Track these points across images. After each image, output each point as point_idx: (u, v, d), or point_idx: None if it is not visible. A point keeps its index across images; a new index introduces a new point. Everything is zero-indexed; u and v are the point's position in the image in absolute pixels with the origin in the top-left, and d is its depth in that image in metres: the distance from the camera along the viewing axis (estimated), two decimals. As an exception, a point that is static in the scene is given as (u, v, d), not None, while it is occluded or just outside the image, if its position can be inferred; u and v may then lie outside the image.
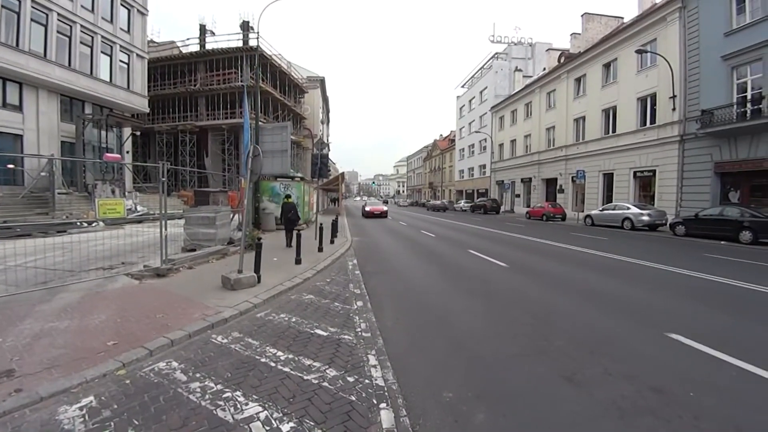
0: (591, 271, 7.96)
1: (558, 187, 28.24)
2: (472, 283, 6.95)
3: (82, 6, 20.47)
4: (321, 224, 10.06)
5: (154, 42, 35.91)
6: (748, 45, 15.06)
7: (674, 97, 18.47)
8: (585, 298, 5.84)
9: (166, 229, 6.34)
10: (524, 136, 34.88)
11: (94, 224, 13.71)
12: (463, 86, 55.26)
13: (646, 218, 16.74)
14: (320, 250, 9.41)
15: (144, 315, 4.48)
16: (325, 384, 3.09)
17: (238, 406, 2.74)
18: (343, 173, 37.22)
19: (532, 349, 3.87)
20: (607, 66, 24.14)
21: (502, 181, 38.41)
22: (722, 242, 12.36)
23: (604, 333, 4.34)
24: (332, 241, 11.25)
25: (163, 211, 6.34)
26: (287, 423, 2.54)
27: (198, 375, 3.21)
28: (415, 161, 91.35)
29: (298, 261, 7.69)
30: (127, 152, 24.65)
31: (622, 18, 29.82)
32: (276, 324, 4.49)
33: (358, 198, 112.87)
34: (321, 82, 47.12)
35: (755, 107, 14.69)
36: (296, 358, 3.54)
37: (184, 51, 34.65)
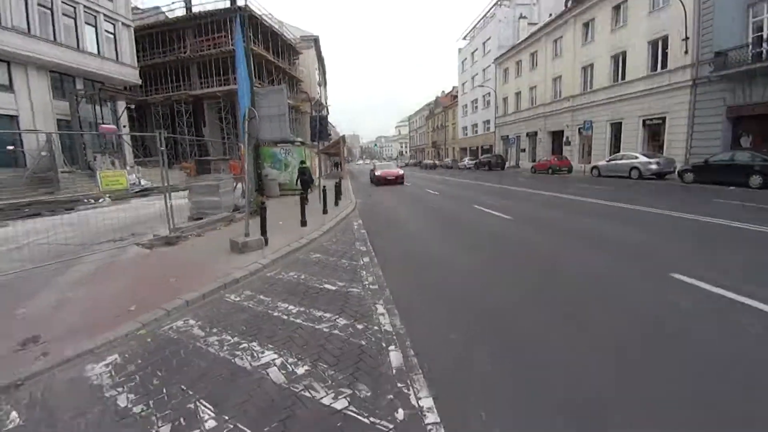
0: (596, 220, 7.97)
1: (564, 139, 27.64)
2: (476, 237, 7.03)
3: (58, -27, 19.41)
4: (324, 186, 10.05)
5: (138, 9, 34.34)
6: (769, -24, 14.00)
7: (687, 39, 17.49)
8: (589, 246, 5.91)
9: (171, 200, 6.40)
10: (529, 88, 33.66)
11: (100, 200, 13.88)
12: (464, 38, 52.66)
13: (654, 167, 16.45)
14: (325, 212, 9.47)
15: (158, 280, 4.64)
16: (336, 332, 3.23)
17: (255, 355, 2.91)
18: (343, 136, 36.50)
19: (537, 294, 3.99)
20: (616, 8, 22.71)
21: (507, 136, 37.62)
22: (731, 187, 12.19)
23: (608, 277, 4.44)
24: (336, 204, 11.30)
25: (165, 183, 6.37)
26: (302, 367, 2.70)
27: (215, 330, 3.38)
28: (417, 120, 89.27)
29: (303, 223, 7.78)
30: (124, 126, 24.33)
31: (635, -48, 27.64)
32: (286, 281, 4.63)
33: (360, 161, 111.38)
34: (315, 42, 45.16)
35: (775, 45, 13.91)
36: (307, 311, 3.69)
37: (170, 16, 33.14)
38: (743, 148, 14.92)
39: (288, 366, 2.72)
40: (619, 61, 22.63)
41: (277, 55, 33.96)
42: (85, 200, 13.72)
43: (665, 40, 19.01)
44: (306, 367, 2.69)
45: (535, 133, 32.78)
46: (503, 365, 2.69)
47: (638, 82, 21.00)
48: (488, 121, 43.74)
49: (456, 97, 56.60)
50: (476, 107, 47.57)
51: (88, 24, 21.51)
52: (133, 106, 27.63)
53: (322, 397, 2.35)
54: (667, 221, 7.42)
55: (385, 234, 7.56)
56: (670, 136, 18.97)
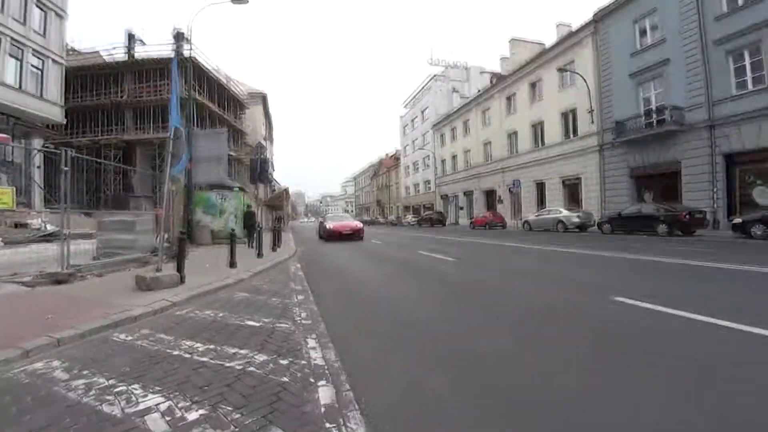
0: (535, 260, 8.15)
1: (497, 197, 29.69)
2: (420, 275, 6.73)
3: (-15, 4, 18.09)
4: (260, 227, 9.35)
5: (75, 50, 32.78)
6: (650, 63, 17.20)
7: (591, 111, 20.43)
8: (530, 280, 5.86)
9: (68, 227, 5.37)
10: (464, 151, 36.52)
11: (-15, 244, 11.62)
12: (405, 106, 57.16)
13: (576, 219, 17.99)
14: (260, 255, 8.69)
15: (28, 317, 3.62)
16: (251, 369, 2.58)
17: (133, 399, 2.15)
18: (287, 189, 35.80)
19: (484, 324, 3.68)
20: (533, 85, 26.25)
21: (447, 194, 39.66)
22: (644, 235, 13.54)
23: (555, 303, 4.30)
24: (274, 249, 10.52)
25: (64, 203, 5.37)
26: (196, 411, 2.01)
27: (85, 372, 2.54)
28: (362, 180, 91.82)
29: (232, 264, 6.96)
30: (38, 167, 21.68)
31: (544, 44, 32.94)
32: (198, 320, 3.85)
33: (305, 219, 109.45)
34: (263, 99, 45.93)
35: (660, 117, 16.65)
36: (218, 348, 2.98)
37: (108, 60, 31.96)
38: (647, 202, 16.98)
39: (176, 411, 2.01)
40: (539, 129, 25.59)
41: (223, 108, 33.67)
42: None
43: (574, 111, 22.03)
44: (202, 412, 2.01)
45: (471, 192, 34.95)
46: (454, 393, 2.24)
47: (555, 147, 23.70)
48: (429, 181, 46.13)
49: (398, 158, 59.62)
50: (417, 168, 50.27)
51: (12, 56, 19.79)
52: (52, 146, 24.98)
53: (217, 448, 1.70)
54: (598, 260, 7.78)
55: (324, 275, 6.98)
56: (586, 193, 21.20)
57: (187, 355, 2.84)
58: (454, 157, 38.80)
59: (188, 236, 12.40)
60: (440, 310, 4.21)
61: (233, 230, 7.66)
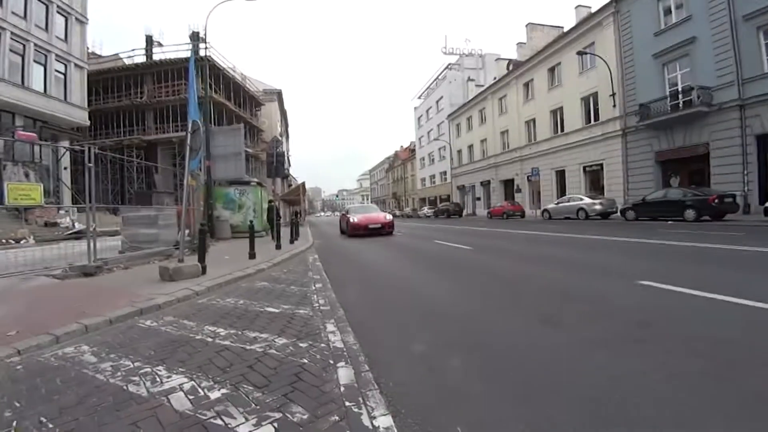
0: (554, 246, 7.97)
1: (515, 187, 29.15)
2: (436, 263, 6.68)
3: (12, 12, 18.79)
4: (278, 221, 9.46)
5: (96, 54, 33.82)
6: (675, 42, 16.41)
7: (614, 94, 19.70)
8: (551, 265, 5.73)
9: (94, 222, 5.56)
10: (480, 141, 35.95)
11: (22, 241, 12.21)
12: (419, 97, 56.57)
13: (598, 207, 17.46)
14: (278, 247, 8.80)
15: (59, 306, 3.77)
16: (272, 351, 2.61)
17: (158, 379, 2.21)
18: (303, 183, 36.05)
19: (505, 305, 3.62)
20: (551, 70, 25.49)
21: (463, 185, 39.21)
22: (669, 221, 13.04)
23: (577, 286, 4.19)
24: (292, 242, 10.64)
25: (89, 200, 5.56)
26: (218, 390, 2.05)
27: (112, 356, 2.62)
28: (377, 173, 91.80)
29: (252, 255, 7.07)
30: (65, 168, 22.57)
31: (563, 28, 31.89)
32: (219, 307, 3.92)
33: (321, 213, 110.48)
34: (278, 95, 46.34)
35: (686, 98, 15.90)
36: (239, 332, 3.03)
37: (128, 63, 32.85)
38: (674, 187, 16.32)
39: (199, 390, 2.05)
40: (558, 115, 24.89)
41: (239, 105, 34.20)
42: (4, 241, 12.00)
43: (595, 96, 21.29)
44: (224, 391, 2.04)
45: (489, 182, 34.44)
46: (471, 374, 2.20)
47: (575, 133, 23.02)
48: (445, 172, 45.68)
49: (414, 150, 59.25)
50: (433, 159, 49.83)
51: (37, 62, 20.56)
52: (78, 149, 25.95)
53: (238, 424, 1.72)
54: (622, 245, 7.54)
55: (342, 265, 7.03)
56: (609, 179, 20.54)
57: (209, 339, 2.90)
58: (470, 147, 38.24)
59: (209, 231, 12.72)
60: (458, 296, 4.16)
61: (252, 222, 7.76)
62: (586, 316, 3.13)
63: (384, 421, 1.73)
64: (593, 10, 22.06)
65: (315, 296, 4.28)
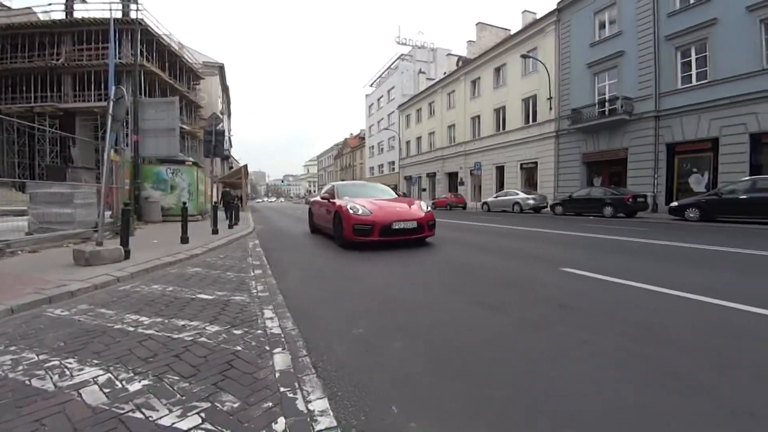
0: (487, 235, 8.50)
1: (459, 179, 30.33)
2: (380, 251, 6.74)
3: None
4: (216, 203, 8.92)
5: (5, 6, 28.94)
6: (606, 55, 17.98)
7: (551, 98, 21.16)
8: (483, 252, 6.10)
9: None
10: (428, 133, 36.74)
11: None
12: (371, 85, 56.20)
13: (531, 202, 18.83)
14: (215, 232, 8.31)
15: (-63, 296, 3.21)
16: (202, 339, 2.46)
17: (67, 373, 1.98)
18: (245, 166, 34.16)
19: (444, 290, 3.75)
20: (497, 70, 26.66)
21: (410, 176, 39.93)
22: (591, 216, 14.45)
23: (511, 273, 4.47)
24: (231, 227, 10.11)
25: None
26: (139, 382, 1.89)
27: (12, 348, 2.30)
28: (325, 160, 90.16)
29: (184, 240, 6.59)
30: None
31: (510, 30, 33.39)
32: (144, 294, 3.60)
33: (265, 198, 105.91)
34: (220, 70, 43.23)
35: (612, 107, 17.57)
36: (166, 321, 2.82)
37: (44, 19, 28.49)
38: (595, 186, 18.06)
39: (116, 383, 1.87)
40: (501, 114, 26.20)
41: (175, 77, 31.40)
42: None
43: (535, 98, 22.71)
44: (145, 383, 1.89)
45: (434, 174, 35.44)
46: (410, 356, 2.26)
47: (515, 132, 24.44)
48: (393, 162, 46.14)
49: (363, 138, 58.98)
50: (382, 149, 50.03)
51: None
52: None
53: (160, 417, 1.59)
54: (549, 236, 8.20)
55: (286, 251, 6.81)
56: (542, 177, 22.17)
57: (130, 329, 2.66)
58: (418, 139, 38.93)
59: (136, 212, 11.64)
60: (399, 280, 4.24)
61: (185, 204, 7.22)
62: (518, 300, 3.36)
63: (320, 404, 1.72)
64: (538, 17, 23.35)
65: (253, 282, 4.11)
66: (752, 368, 2.01)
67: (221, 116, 23.30)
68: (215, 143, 9.98)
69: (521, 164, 24.25)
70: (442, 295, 3.63)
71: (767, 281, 3.88)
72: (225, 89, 48.20)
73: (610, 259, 5.43)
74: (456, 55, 38.80)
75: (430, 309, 3.21)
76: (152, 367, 2.06)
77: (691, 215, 12.20)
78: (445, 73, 38.41)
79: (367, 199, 7.16)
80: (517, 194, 19.99)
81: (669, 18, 15.82)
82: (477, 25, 35.13)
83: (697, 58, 15.18)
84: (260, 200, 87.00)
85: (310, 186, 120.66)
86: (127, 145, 13.72)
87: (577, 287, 3.75)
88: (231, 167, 43.92)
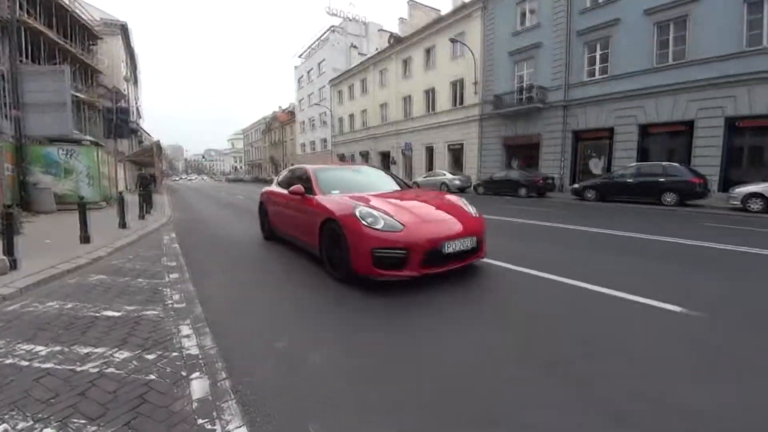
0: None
1: (391, 159, 30.83)
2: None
3: None
4: (121, 193, 8.06)
5: None
6: (526, 45, 19.22)
7: (476, 83, 22.18)
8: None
9: None
10: (361, 111, 36.42)
11: None
12: (300, 56, 53.49)
13: (458, 182, 20.01)
14: (123, 226, 7.56)
15: None
16: (110, 370, 2.34)
17: (-59, 431, 1.78)
18: (158, 142, 30.72)
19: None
20: (427, 51, 27.04)
21: (343, 154, 39.52)
22: (507, 197, 15.85)
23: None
24: (143, 217, 9.26)
25: None
26: (40, 431, 1.78)
27: None
28: (252, 134, 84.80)
29: (85, 239, 5.92)
30: None
31: (440, 11, 33.79)
32: (38, 315, 3.25)
33: (184, 176, 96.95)
34: (123, 30, 37.60)
35: (528, 95, 19.00)
36: (66, 349, 2.60)
37: None
38: (514, 168, 19.69)
39: (7, 436, 1.74)
40: (431, 95, 26.86)
41: (67, 36, 26.72)
42: None
43: (462, 82, 23.62)
44: (48, 431, 1.78)
45: (367, 153, 35.52)
46: (339, 364, 2.39)
47: (444, 114, 25.35)
48: (325, 140, 45.12)
49: (293, 113, 56.49)
50: (314, 125, 48.51)
51: None
52: None
53: (64, 472, 1.54)
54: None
55: (206, 249, 6.44)
56: (468, 158, 23.50)
57: (24, 363, 2.42)
58: (351, 117, 38.44)
59: (24, 203, 10.08)
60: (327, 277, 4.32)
61: (82, 198, 6.39)
62: (422, 284, 3.67)
63: (238, 433, 1.78)
64: (466, 1, 23.92)
65: (168, 290, 3.90)
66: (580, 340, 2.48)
67: (125, 90, 20.67)
68: (118, 122, 8.86)
69: (449, 146, 25.35)
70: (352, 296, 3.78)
71: (610, 259, 4.68)
72: (131, 53, 42.34)
73: (527, 244, 6.07)
74: (388, 32, 38.40)
75: (331, 313, 3.34)
76: (55, 410, 1.93)
77: (589, 195, 13.99)
78: (377, 49, 37.94)
79: (380, 198, 4.49)
80: (445, 175, 21.02)
81: (580, 15, 17.32)
82: (409, 2, 34.96)
83: (600, 54, 16.95)
84: (177, 178, 78.29)
85: (235, 162, 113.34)
86: (7, 120, 11.59)
87: (481, 274, 4.15)
88: (141, 142, 39.41)
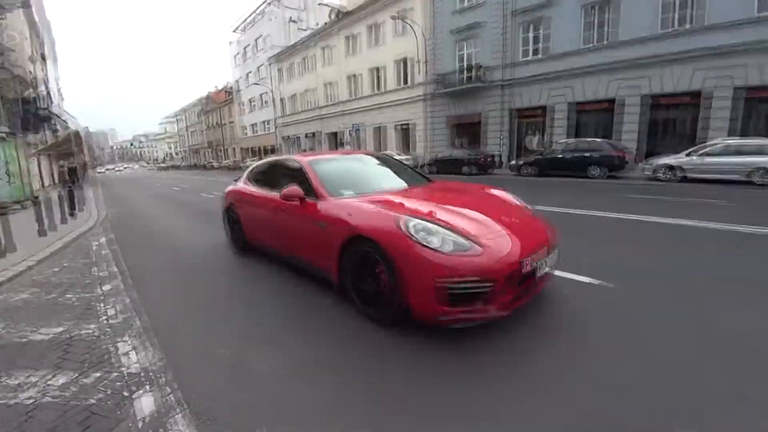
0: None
1: (339, 140, 30.40)
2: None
3: None
4: (36, 194, 7.28)
5: None
6: (468, 23, 19.51)
7: (420, 61, 22.26)
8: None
9: None
10: (306, 90, 35.17)
11: None
12: (236, 31, 49.96)
13: (406, 163, 20.27)
14: (43, 234, 6.87)
15: None
16: (47, 399, 2.24)
17: None
18: (76, 132, 27.30)
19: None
20: (370, 27, 26.49)
21: (288, 136, 38.25)
22: (452, 175, 16.48)
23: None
24: (65, 221, 8.45)
25: None
26: (-35, 478, 1.70)
27: None
28: (187, 117, 78.79)
29: (6, 250, 5.35)
30: None
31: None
32: (-49, 344, 2.97)
33: (111, 166, 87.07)
34: (25, 2, 32.50)
35: (470, 75, 19.48)
36: (-8, 381, 2.44)
37: None
38: (459, 147, 20.36)
39: (-70, 488, 1.65)
40: (377, 74, 26.56)
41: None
42: None
43: (407, 61, 23.57)
44: (-28, 477, 1.71)
45: (314, 134, 34.66)
46: (282, 364, 2.47)
47: (391, 93, 25.29)
48: (269, 122, 43.21)
49: (230, 93, 53.20)
50: (254, 106, 46.16)
51: None
52: None
53: None
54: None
55: (148, 250, 6.07)
56: (416, 138, 23.84)
57: (-63, 403, 2.24)
58: (295, 96, 37.01)
59: None
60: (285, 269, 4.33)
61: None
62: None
63: (189, 447, 1.82)
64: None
65: (102, 304, 3.70)
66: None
67: (33, 66, 18.35)
68: (24, 114, 7.85)
69: (397, 125, 25.45)
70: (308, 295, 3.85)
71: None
72: (38, 28, 36.81)
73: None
74: (329, 5, 36.88)
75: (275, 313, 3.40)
76: (-20, 452, 1.85)
77: (526, 171, 14.92)
78: (317, 24, 36.46)
79: (417, 200, 3.27)
80: (394, 155, 21.20)
81: (516, -5, 17.83)
82: (350, -26, 33.62)
83: (534, 35, 17.70)
84: (103, 170, 69.04)
85: (170, 148, 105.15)
86: None
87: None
88: (56, 131, 35.08)
